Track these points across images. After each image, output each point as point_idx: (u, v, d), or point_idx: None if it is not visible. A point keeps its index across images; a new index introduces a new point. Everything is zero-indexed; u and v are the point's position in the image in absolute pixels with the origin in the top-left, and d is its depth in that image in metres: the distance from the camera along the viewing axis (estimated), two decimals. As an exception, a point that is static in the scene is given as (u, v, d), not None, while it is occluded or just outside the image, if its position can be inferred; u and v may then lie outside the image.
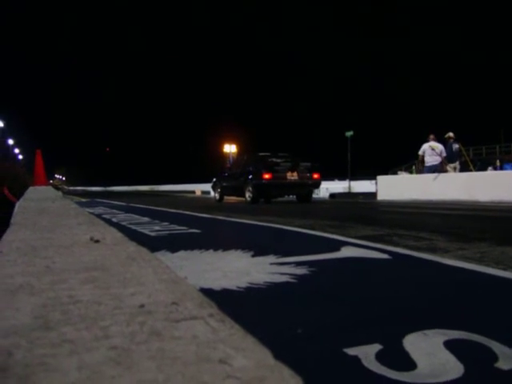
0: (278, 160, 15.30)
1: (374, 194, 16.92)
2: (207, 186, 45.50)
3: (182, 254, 3.71)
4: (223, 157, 38.85)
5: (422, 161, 15.52)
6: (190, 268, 3.13)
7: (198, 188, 44.48)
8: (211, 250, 3.87)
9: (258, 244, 4.36)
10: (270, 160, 15.27)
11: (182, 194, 37.35)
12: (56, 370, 0.69)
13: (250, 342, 0.74)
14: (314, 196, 16.73)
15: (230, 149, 38.93)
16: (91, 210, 10.20)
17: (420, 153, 15.41)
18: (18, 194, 4.89)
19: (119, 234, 2.35)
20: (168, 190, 62.71)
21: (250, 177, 14.73)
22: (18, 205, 4.89)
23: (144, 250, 1.77)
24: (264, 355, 0.69)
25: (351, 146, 20.36)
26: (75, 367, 0.69)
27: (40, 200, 5.96)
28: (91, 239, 2.00)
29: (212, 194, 17.96)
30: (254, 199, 14.57)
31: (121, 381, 0.64)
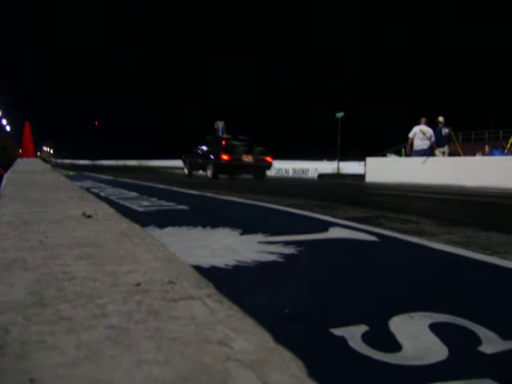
0: (237, 143, 17.56)
1: (362, 176, 16.99)
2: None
3: (170, 230, 3.72)
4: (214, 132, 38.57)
5: (412, 144, 15.57)
6: (178, 245, 3.13)
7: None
8: (199, 227, 3.87)
9: (247, 222, 4.37)
10: (229, 143, 17.53)
11: (170, 171, 37.14)
12: (54, 348, 0.69)
13: (249, 324, 0.75)
14: (303, 176, 18.19)
15: (217, 126, 38.55)
16: (79, 184, 10.13)
17: (410, 135, 15.45)
18: (6, 166, 4.79)
19: (111, 210, 2.34)
20: (157, 165, 62.35)
21: (212, 157, 17.14)
22: (6, 177, 4.80)
23: (137, 227, 1.77)
24: (264, 337, 0.70)
25: (342, 126, 20.29)
26: (73, 346, 0.70)
27: (28, 172, 5.86)
28: (83, 214, 1.99)
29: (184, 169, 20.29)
30: (214, 176, 17.02)
31: (120, 360, 0.65)
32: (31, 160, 15.39)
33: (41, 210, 2.15)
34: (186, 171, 20.03)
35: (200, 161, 18.20)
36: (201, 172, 18.81)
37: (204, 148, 18.34)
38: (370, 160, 16.85)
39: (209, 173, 17.34)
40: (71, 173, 21.29)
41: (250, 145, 17.61)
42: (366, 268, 2.65)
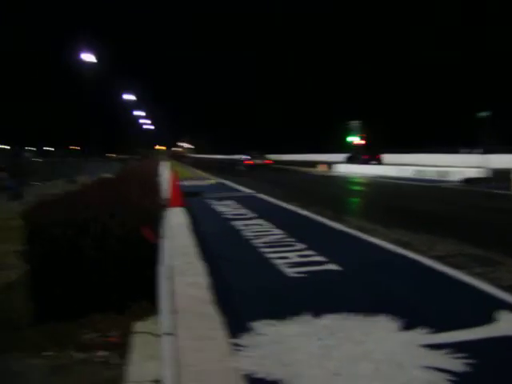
0: (254, 153, 46.65)
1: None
2: (332, 157, 44.97)
3: (326, 322, 3.67)
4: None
5: None
6: (338, 352, 3.09)
7: (325, 160, 42.99)
8: (356, 315, 3.77)
9: (404, 300, 4.16)
10: (251, 153, 46.79)
11: (306, 169, 37.20)
12: None
13: None
14: (442, 179, 20.57)
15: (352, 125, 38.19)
16: (223, 209, 10.59)
17: None
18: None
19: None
20: (290, 160, 63.19)
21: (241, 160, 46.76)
22: (164, 245, 4.65)
23: None
24: None
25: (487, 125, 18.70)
26: None
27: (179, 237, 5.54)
28: None
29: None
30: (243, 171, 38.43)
31: None
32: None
33: None
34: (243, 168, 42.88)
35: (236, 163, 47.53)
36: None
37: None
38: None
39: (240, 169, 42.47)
40: (212, 179, 22.24)
41: (260, 154, 46.70)
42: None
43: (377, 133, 46.12)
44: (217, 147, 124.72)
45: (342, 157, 42.74)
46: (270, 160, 46.26)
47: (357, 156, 37.71)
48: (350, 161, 37.31)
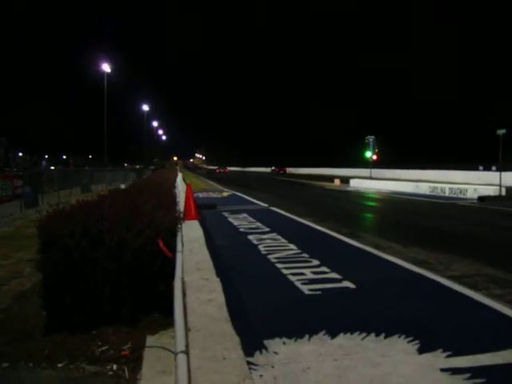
0: (220, 165, 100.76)
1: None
2: (345, 172, 44.83)
3: (341, 341, 3.59)
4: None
5: None
6: (356, 374, 3.01)
7: (338, 174, 43.29)
8: (372, 335, 3.69)
9: (422, 323, 4.05)
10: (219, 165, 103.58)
11: (320, 183, 37.16)
12: None
13: None
14: (458, 196, 20.32)
15: (368, 140, 38.18)
16: (236, 223, 10.59)
17: None
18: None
19: None
20: (305, 173, 63.57)
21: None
22: (179, 259, 4.39)
23: None
24: None
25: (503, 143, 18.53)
26: None
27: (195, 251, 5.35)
28: None
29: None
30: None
31: None
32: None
33: None
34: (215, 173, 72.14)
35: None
36: None
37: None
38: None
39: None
40: (225, 191, 22.37)
41: (222, 165, 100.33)
42: None
43: (393, 148, 45.98)
44: (230, 160, 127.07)
45: (357, 171, 42.66)
46: (226, 169, 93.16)
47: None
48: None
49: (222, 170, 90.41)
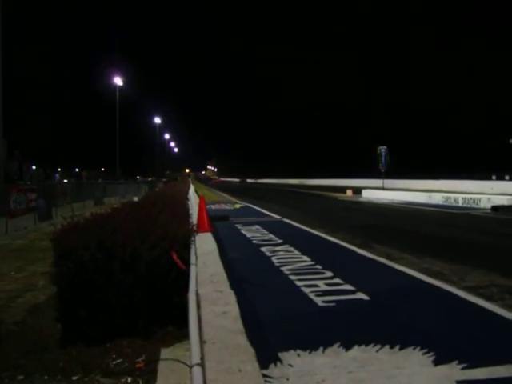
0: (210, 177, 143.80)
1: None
2: (356, 182, 44.89)
3: (356, 353, 3.57)
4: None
5: None
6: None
7: (350, 185, 43.26)
8: (387, 347, 3.66)
9: (438, 334, 4.02)
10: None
11: (333, 194, 37.06)
12: None
13: None
14: (471, 206, 20.36)
15: (380, 151, 38.03)
16: (249, 235, 10.59)
17: None
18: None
19: None
20: (316, 184, 63.51)
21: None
22: (193, 271, 4.41)
23: None
24: None
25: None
26: None
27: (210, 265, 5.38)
28: None
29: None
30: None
31: None
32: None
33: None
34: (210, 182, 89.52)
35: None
36: None
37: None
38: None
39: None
40: (238, 204, 22.38)
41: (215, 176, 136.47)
42: None
43: (404, 158, 45.80)
44: (241, 171, 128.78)
45: (369, 182, 42.47)
46: (214, 179, 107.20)
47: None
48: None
49: (217, 181, 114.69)
